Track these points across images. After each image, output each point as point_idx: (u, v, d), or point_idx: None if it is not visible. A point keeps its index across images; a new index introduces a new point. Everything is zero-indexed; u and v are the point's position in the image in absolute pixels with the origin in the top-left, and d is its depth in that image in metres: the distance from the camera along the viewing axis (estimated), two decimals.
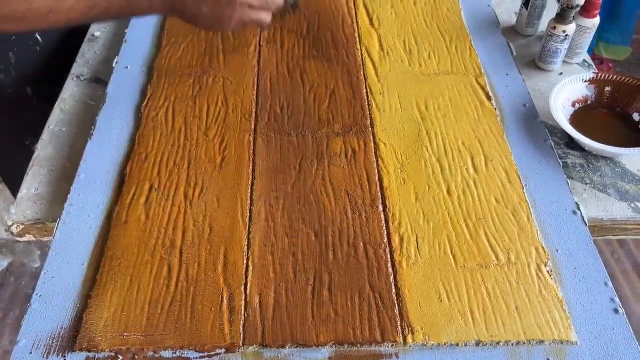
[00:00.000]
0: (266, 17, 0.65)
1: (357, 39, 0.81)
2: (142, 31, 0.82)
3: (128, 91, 0.73)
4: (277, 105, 0.72)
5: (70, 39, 0.86)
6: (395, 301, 0.52)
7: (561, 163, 0.66)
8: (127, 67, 0.76)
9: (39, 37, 0.82)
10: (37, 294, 0.52)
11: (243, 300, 0.51)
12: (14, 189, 0.68)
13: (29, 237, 0.62)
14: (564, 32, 0.75)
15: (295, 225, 0.58)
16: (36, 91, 0.84)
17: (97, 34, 0.84)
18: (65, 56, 0.83)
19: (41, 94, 0.84)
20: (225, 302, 0.51)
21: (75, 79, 0.77)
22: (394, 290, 0.52)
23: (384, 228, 0.58)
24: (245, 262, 0.55)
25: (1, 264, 1.43)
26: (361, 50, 0.79)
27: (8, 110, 0.84)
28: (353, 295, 0.52)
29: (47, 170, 0.65)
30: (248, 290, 0.52)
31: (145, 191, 0.61)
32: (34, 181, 0.64)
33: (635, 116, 0.71)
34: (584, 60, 0.82)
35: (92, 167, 0.64)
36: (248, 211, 0.59)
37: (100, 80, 0.76)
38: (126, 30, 0.81)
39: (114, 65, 0.76)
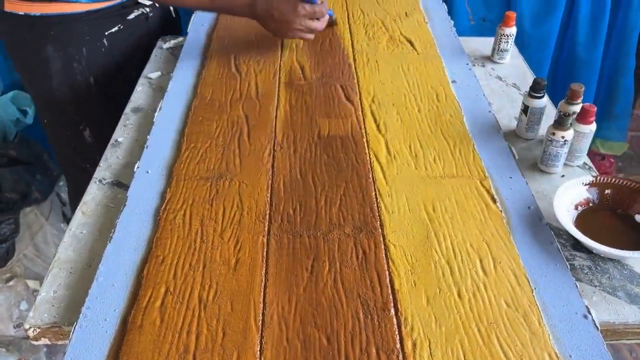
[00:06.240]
0: (310, 36, 1.05)
1: (365, 144, 0.86)
2: (162, 137, 0.87)
3: (148, 195, 0.76)
4: (290, 207, 0.74)
5: (130, 49, 1.14)
6: None
7: (568, 265, 0.67)
8: (147, 172, 0.80)
9: (105, 42, 1.10)
10: None
11: None
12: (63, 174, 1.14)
13: (44, 341, 0.62)
14: (563, 137, 0.79)
15: (307, 330, 0.58)
16: (96, 81, 1.11)
17: (120, 139, 0.89)
18: (124, 60, 1.13)
19: (100, 86, 1.11)
20: None
21: (97, 182, 0.81)
22: None
23: (396, 332, 0.58)
24: None
25: None
26: (369, 154, 0.84)
27: (74, 94, 1.10)
28: None
29: (66, 273, 0.67)
30: None
31: (160, 294, 0.62)
32: (53, 283, 0.66)
33: (637, 217, 0.73)
34: (584, 163, 0.85)
35: (110, 270, 0.65)
36: (261, 314, 0.60)
37: (121, 183, 0.80)
38: (148, 137, 0.87)
39: (135, 170, 0.80)
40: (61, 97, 1.10)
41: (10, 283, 1.45)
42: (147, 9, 1.16)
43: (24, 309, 1.48)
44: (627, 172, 2.00)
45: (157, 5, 1.19)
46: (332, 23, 1.16)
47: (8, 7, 1.02)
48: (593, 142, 1.81)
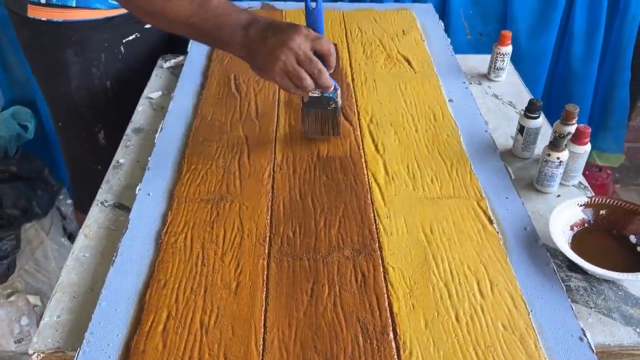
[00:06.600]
0: (306, 79, 0.78)
1: (364, 164, 0.87)
2: (163, 159, 0.88)
3: (149, 217, 0.77)
4: (290, 229, 0.76)
5: (145, 57, 1.18)
6: None
7: (564, 287, 0.68)
8: (149, 194, 0.81)
9: (122, 49, 1.13)
10: None
11: None
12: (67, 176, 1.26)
13: None
14: (558, 158, 0.80)
15: (307, 354, 0.59)
16: (112, 86, 1.15)
17: (122, 160, 0.91)
18: (139, 67, 1.16)
19: (115, 91, 1.15)
20: None
21: (99, 205, 0.82)
22: None
23: (395, 357, 0.59)
24: None
25: None
26: (367, 175, 0.85)
27: (91, 98, 1.15)
28: None
29: (69, 297, 0.68)
30: None
31: (163, 319, 0.63)
32: (56, 308, 0.67)
33: (632, 238, 0.75)
34: (580, 182, 0.86)
35: (113, 294, 0.66)
36: (261, 339, 0.61)
37: (123, 206, 0.81)
38: (149, 158, 0.88)
39: (136, 192, 0.81)
40: (79, 101, 1.15)
41: (11, 298, 1.46)
42: None
43: (24, 324, 1.48)
44: (624, 183, 2.01)
45: None
46: (332, 112, 0.87)
47: (31, 13, 1.06)
48: (589, 154, 1.83)
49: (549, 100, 1.70)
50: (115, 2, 1.07)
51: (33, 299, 1.49)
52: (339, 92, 0.86)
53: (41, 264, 1.54)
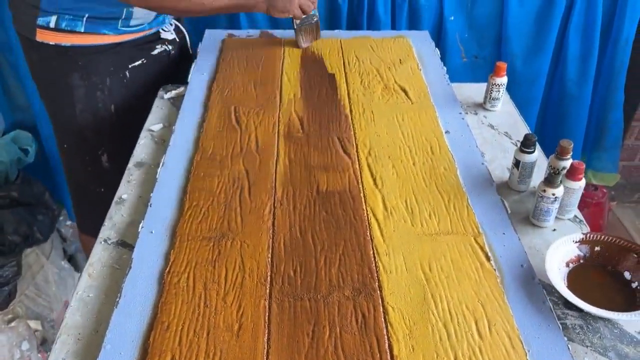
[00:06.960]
0: (311, 5, 1.22)
1: (363, 199, 0.88)
2: (165, 194, 0.89)
3: (152, 256, 0.78)
4: (290, 268, 0.77)
5: (150, 82, 1.22)
6: None
7: (560, 325, 0.69)
8: (151, 232, 0.82)
9: (127, 74, 1.18)
10: None
11: None
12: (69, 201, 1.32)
13: None
14: (553, 194, 0.82)
15: None
16: (116, 110, 1.19)
17: (124, 196, 0.92)
18: (143, 92, 1.20)
19: (119, 114, 1.20)
20: None
21: (102, 242, 0.83)
22: None
23: None
24: None
25: None
26: (366, 211, 0.86)
27: (95, 121, 1.18)
28: None
29: (74, 339, 0.69)
30: None
31: None
32: (61, 351, 0.68)
33: (627, 274, 0.76)
34: (575, 216, 0.88)
35: (117, 337, 0.67)
36: None
37: (126, 243, 0.83)
38: (151, 195, 0.89)
39: (139, 230, 0.82)
40: (83, 124, 1.18)
41: (12, 324, 1.46)
42: (170, 47, 1.25)
43: (25, 349, 1.48)
44: (620, 200, 2.03)
45: (177, 40, 1.28)
46: (316, 24, 1.28)
47: (40, 37, 1.09)
48: (585, 173, 1.85)
49: (545, 122, 1.72)
50: (124, 29, 1.12)
51: (34, 324, 1.50)
52: (316, 6, 1.25)
53: (42, 289, 1.54)
